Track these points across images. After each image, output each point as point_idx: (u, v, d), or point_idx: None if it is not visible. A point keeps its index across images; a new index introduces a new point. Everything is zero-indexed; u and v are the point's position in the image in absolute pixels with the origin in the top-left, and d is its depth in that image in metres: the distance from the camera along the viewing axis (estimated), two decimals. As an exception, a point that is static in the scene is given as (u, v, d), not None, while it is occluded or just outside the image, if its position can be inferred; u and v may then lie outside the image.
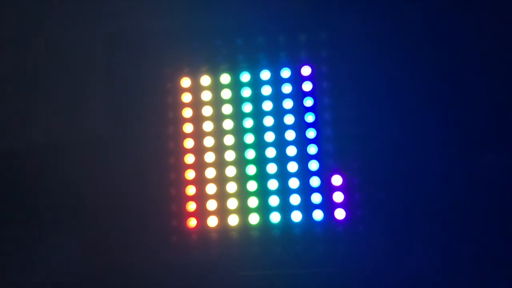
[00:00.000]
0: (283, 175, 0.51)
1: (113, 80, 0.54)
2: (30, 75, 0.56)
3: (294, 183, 0.51)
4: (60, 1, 0.56)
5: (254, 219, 0.51)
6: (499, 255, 0.49)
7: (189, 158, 0.53)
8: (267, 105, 0.52)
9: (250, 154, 0.52)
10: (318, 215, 0.51)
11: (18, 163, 0.55)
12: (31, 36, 0.56)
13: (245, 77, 0.53)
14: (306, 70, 0.52)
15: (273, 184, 0.51)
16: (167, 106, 0.53)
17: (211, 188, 0.52)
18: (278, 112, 0.52)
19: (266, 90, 0.53)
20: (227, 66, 0.53)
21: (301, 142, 0.52)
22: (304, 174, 0.51)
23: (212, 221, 0.51)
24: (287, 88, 0.52)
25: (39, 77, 0.56)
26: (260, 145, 0.52)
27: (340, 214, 0.50)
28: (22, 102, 0.56)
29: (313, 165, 0.51)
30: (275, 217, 0.51)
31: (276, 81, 0.53)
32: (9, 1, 0.57)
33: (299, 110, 0.52)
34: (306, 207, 0.51)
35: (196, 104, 0.53)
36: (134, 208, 0.51)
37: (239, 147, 0.52)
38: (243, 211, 0.51)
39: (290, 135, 0.52)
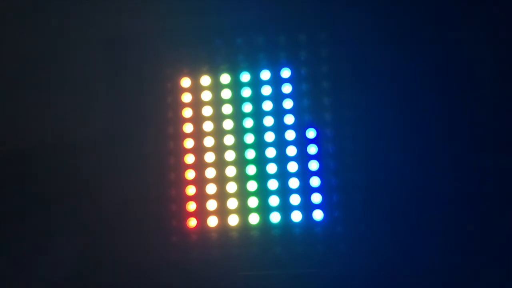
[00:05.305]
0: (283, 175, 0.51)
1: (113, 80, 0.54)
2: (31, 75, 0.56)
3: (294, 183, 0.51)
4: (61, 3, 0.56)
5: (254, 219, 0.51)
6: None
7: (189, 158, 0.53)
8: (267, 105, 0.52)
9: (250, 154, 0.52)
10: (318, 215, 0.51)
11: (18, 163, 0.55)
12: (31, 37, 0.56)
13: (245, 77, 0.53)
14: (305, 70, 0.52)
15: (273, 184, 0.51)
16: (167, 106, 0.53)
17: (211, 188, 0.52)
18: (278, 112, 0.52)
19: (266, 90, 0.53)
20: (227, 66, 0.53)
21: (301, 142, 0.52)
22: (304, 174, 0.51)
23: (212, 221, 0.51)
24: (287, 88, 0.52)
25: (40, 77, 0.56)
26: (260, 145, 0.52)
27: (339, 214, 0.50)
28: (22, 103, 0.56)
29: (313, 165, 0.51)
30: (275, 217, 0.51)
31: (276, 81, 0.53)
32: (11, 3, 0.57)
33: (299, 110, 0.52)
34: (306, 207, 0.51)
35: (196, 104, 0.53)
36: (134, 208, 0.51)
37: (239, 147, 0.52)
38: (243, 211, 0.51)
39: (290, 135, 0.52)
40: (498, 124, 0.51)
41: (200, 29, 0.53)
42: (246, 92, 0.53)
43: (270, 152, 0.52)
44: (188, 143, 0.53)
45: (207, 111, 0.53)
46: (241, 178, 0.52)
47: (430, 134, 0.51)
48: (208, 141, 0.53)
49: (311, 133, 0.52)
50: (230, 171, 0.52)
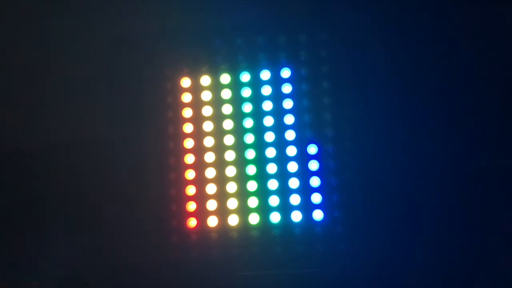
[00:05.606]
0: (283, 175, 0.51)
1: (114, 80, 0.54)
2: (31, 76, 0.56)
3: (294, 183, 0.51)
4: (62, 3, 0.56)
5: (254, 219, 0.51)
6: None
7: (189, 158, 0.53)
8: (267, 105, 0.52)
9: (250, 154, 0.52)
10: (318, 215, 0.51)
11: (18, 163, 0.55)
12: (31, 37, 0.56)
13: (245, 77, 0.53)
14: (305, 70, 0.52)
15: (273, 184, 0.51)
16: (167, 106, 0.53)
17: (211, 188, 0.52)
18: (278, 112, 0.52)
19: (266, 90, 0.53)
20: (227, 66, 0.53)
21: (301, 142, 0.52)
22: (304, 174, 0.51)
23: (212, 221, 0.51)
24: (287, 88, 0.52)
25: (40, 77, 0.56)
26: (260, 145, 0.52)
27: (339, 214, 0.50)
28: (22, 103, 0.56)
29: (313, 165, 0.51)
30: (275, 217, 0.51)
31: (276, 81, 0.53)
32: (12, 3, 0.57)
33: (299, 110, 0.52)
34: (306, 207, 0.51)
35: (196, 104, 0.53)
36: (134, 208, 0.51)
37: (239, 147, 0.52)
38: (243, 211, 0.51)
39: (290, 135, 0.52)
40: (498, 124, 0.51)
41: (200, 29, 0.53)
42: (246, 92, 0.53)
43: (270, 152, 0.52)
44: (188, 143, 0.53)
45: (207, 111, 0.53)
46: (241, 178, 0.52)
47: (430, 134, 0.51)
48: (208, 141, 0.53)
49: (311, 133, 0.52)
50: (230, 171, 0.52)
